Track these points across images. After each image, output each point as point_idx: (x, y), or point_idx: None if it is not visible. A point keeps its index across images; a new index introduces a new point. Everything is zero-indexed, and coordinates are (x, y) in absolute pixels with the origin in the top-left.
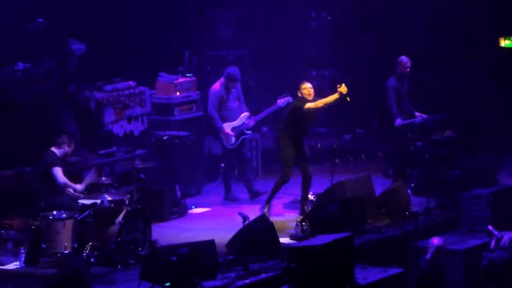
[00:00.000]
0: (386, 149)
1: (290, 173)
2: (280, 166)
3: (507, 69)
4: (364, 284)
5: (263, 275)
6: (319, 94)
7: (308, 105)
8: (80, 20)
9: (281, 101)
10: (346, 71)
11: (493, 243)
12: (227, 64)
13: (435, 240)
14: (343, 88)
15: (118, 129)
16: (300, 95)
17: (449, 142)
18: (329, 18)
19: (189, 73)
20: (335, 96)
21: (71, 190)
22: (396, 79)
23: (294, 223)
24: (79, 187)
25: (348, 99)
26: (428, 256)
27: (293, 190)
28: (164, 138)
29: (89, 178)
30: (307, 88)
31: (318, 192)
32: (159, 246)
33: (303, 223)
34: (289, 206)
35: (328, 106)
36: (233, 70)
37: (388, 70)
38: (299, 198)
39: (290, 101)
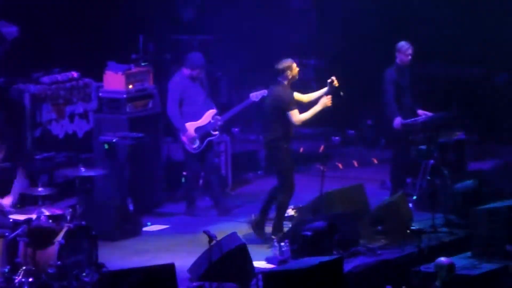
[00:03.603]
0: (383, 154)
1: (293, 185)
2: (278, 179)
3: None
4: None
5: None
6: (302, 87)
7: (299, 97)
8: None
9: (255, 95)
10: (334, 60)
11: None
12: (190, 52)
13: (444, 260)
14: (335, 82)
15: (58, 130)
16: (289, 76)
17: (459, 145)
18: None
19: (144, 62)
20: (323, 91)
21: None
22: (395, 69)
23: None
24: (6, 201)
25: (342, 93)
26: (438, 283)
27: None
28: (114, 140)
29: (18, 186)
30: (296, 68)
31: (300, 205)
32: (108, 271)
33: (282, 243)
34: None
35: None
36: (196, 55)
37: (386, 59)
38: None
39: (265, 95)
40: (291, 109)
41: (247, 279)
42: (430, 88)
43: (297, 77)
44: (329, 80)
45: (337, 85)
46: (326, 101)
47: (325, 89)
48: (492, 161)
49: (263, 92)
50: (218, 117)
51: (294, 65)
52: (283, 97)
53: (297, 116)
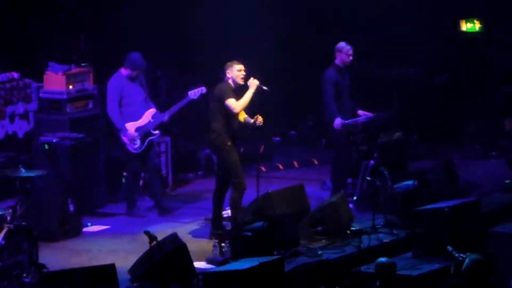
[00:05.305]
0: (324, 155)
1: (244, 181)
2: (230, 177)
3: (469, 58)
4: None
5: None
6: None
7: (233, 104)
8: None
9: (193, 93)
10: (274, 60)
11: (453, 267)
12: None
13: (385, 261)
14: (253, 82)
15: None
16: (229, 75)
17: (399, 146)
18: None
19: (84, 62)
20: (250, 92)
21: None
22: (335, 70)
23: (212, 244)
24: None
25: (265, 88)
26: (378, 283)
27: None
28: (54, 140)
29: None
30: (241, 69)
31: (241, 206)
32: (48, 272)
33: (223, 244)
34: (204, 224)
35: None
36: (136, 56)
37: (326, 59)
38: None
39: (203, 92)
40: (227, 98)
41: (188, 280)
42: (370, 88)
43: (239, 79)
44: (248, 82)
45: (257, 83)
46: (253, 80)
47: (251, 91)
48: (432, 161)
49: (201, 89)
50: (158, 116)
51: (236, 66)
52: (218, 89)
53: (234, 104)
